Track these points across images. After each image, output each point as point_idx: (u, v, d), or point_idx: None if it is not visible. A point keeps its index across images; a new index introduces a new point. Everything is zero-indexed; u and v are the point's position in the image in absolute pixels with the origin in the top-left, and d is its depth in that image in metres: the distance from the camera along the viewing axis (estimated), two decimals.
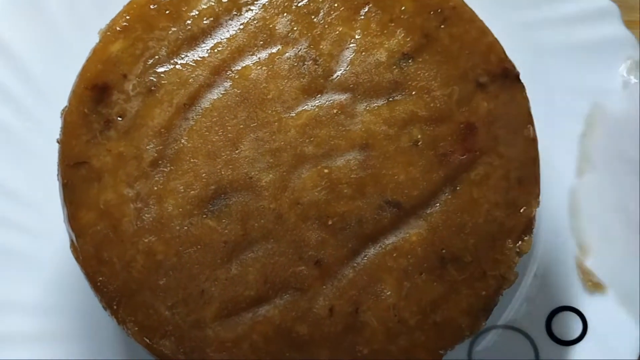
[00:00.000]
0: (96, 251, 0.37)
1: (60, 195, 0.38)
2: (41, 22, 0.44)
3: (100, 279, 0.37)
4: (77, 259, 0.37)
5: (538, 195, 0.39)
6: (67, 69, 0.41)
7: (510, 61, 0.40)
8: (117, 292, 0.37)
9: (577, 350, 0.41)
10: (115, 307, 0.37)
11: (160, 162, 0.38)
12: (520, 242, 0.38)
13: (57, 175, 0.38)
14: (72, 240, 0.37)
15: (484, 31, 0.41)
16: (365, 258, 0.37)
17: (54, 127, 0.39)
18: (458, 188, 0.38)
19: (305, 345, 0.36)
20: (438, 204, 0.38)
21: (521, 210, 0.38)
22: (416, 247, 0.37)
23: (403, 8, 0.40)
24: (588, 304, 0.42)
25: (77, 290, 0.42)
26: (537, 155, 0.39)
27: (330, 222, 0.37)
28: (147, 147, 0.38)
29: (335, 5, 0.40)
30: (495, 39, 0.41)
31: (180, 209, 0.37)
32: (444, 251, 0.37)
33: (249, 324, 0.36)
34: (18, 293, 0.42)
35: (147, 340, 0.36)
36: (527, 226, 0.38)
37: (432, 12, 0.40)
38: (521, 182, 0.39)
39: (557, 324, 0.43)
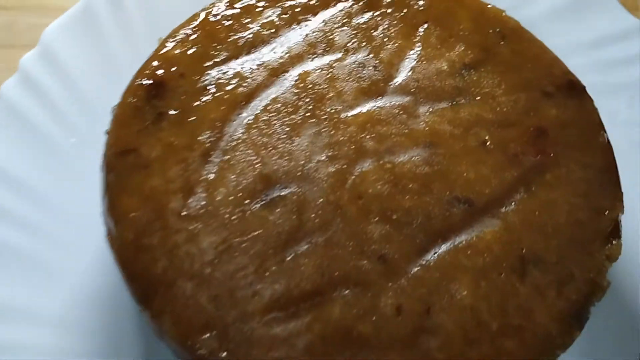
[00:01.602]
0: (135, 238, 0.33)
1: (101, 185, 0.35)
2: (96, 41, 0.44)
3: (138, 266, 0.32)
4: (112, 247, 0.33)
5: (621, 198, 0.35)
6: (114, 87, 0.40)
7: (574, 75, 0.39)
8: (155, 281, 0.32)
9: None
10: (150, 297, 0.32)
11: (212, 152, 0.35)
12: (608, 246, 0.34)
13: (101, 166, 0.36)
14: (108, 230, 0.34)
15: (545, 49, 0.40)
16: (436, 255, 0.33)
17: (97, 141, 0.38)
18: (533, 188, 0.35)
19: (368, 347, 0.31)
20: (513, 203, 0.35)
21: (606, 213, 0.35)
22: (492, 246, 0.33)
23: (462, 26, 0.40)
24: None
25: (99, 308, 0.38)
26: (614, 161, 0.36)
27: (394, 216, 0.34)
28: (200, 139, 0.36)
29: (395, 22, 0.40)
30: (556, 56, 0.40)
31: (231, 198, 0.34)
32: (524, 251, 0.33)
33: (304, 320, 0.31)
34: (39, 305, 0.37)
35: (184, 337, 0.31)
36: (614, 230, 0.34)
37: (491, 31, 0.40)
38: (602, 186, 0.36)
39: None
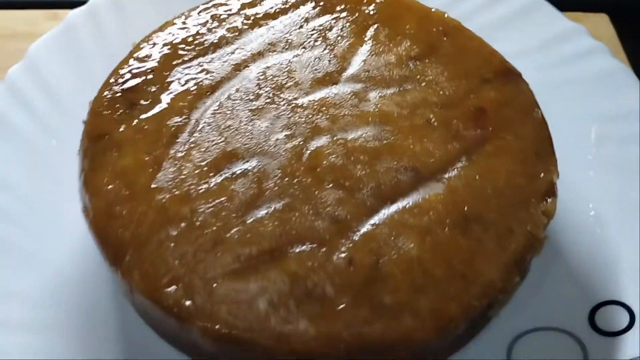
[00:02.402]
0: (107, 207, 0.36)
1: (78, 165, 0.38)
2: (76, 54, 0.48)
3: (109, 231, 0.35)
4: (87, 218, 0.36)
5: (556, 164, 0.39)
6: (92, 94, 0.43)
7: (510, 64, 0.43)
8: (125, 244, 0.35)
9: (627, 340, 0.37)
10: (120, 258, 0.34)
11: (180, 134, 0.39)
12: (544, 204, 0.37)
13: (78, 152, 0.39)
14: (84, 204, 0.37)
15: (484, 43, 0.45)
16: (385, 215, 0.36)
17: (76, 143, 0.41)
18: (474, 158, 0.38)
19: (323, 296, 0.33)
20: (456, 170, 0.38)
21: (541, 176, 0.38)
22: (437, 206, 0.36)
23: (408, 26, 0.45)
24: (632, 294, 0.38)
25: (77, 286, 0.40)
26: (549, 134, 0.40)
27: (347, 184, 0.37)
28: (168, 123, 0.39)
29: (347, 24, 0.45)
30: (494, 49, 0.44)
31: (197, 171, 0.37)
32: (466, 209, 0.36)
33: (263, 274, 0.34)
34: (18, 285, 0.39)
35: (152, 290, 0.33)
36: (549, 189, 0.38)
37: (435, 30, 0.45)
38: (538, 154, 0.39)
39: (602, 317, 0.39)
